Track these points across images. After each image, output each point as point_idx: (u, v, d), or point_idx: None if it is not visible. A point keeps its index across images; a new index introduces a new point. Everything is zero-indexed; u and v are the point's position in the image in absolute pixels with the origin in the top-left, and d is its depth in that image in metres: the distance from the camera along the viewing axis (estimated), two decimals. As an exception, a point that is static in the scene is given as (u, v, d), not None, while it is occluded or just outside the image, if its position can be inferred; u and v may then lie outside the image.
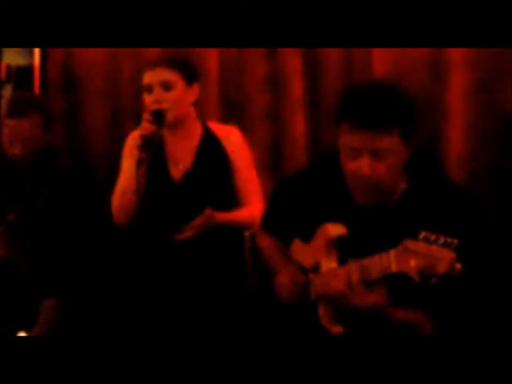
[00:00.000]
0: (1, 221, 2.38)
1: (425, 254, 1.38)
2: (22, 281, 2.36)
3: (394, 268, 1.46)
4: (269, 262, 1.94)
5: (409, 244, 1.42)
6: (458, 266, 1.36)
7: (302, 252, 1.82)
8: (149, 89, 2.17)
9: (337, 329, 1.65)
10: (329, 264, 1.70)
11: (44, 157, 2.41)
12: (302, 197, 1.86)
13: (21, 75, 3.02)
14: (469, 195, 1.69)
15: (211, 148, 2.27)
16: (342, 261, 1.68)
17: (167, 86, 2.16)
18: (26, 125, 2.34)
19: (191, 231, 2.14)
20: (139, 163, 2.13)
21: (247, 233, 2.18)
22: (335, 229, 1.69)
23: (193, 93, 2.24)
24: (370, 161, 1.59)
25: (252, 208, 2.23)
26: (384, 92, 1.63)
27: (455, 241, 1.35)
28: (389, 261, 1.47)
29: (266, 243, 1.99)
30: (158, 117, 2.13)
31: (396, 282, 1.51)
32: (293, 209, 1.88)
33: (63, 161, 2.47)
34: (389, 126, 1.57)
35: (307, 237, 1.79)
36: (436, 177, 1.73)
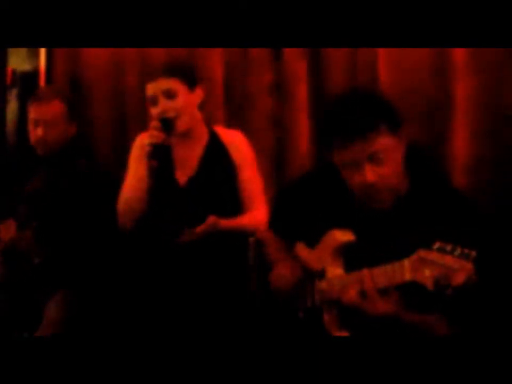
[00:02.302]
0: (13, 212, 2.44)
1: (440, 264, 1.37)
2: (33, 271, 2.37)
3: (408, 277, 1.45)
4: (269, 254, 1.93)
5: (424, 253, 1.41)
6: (474, 277, 1.34)
7: (306, 256, 1.81)
8: (154, 101, 2.18)
9: (342, 334, 1.64)
10: (335, 270, 1.70)
11: (64, 152, 2.46)
12: (305, 201, 1.86)
13: (26, 80, 3.03)
14: (470, 200, 1.69)
15: (217, 152, 2.27)
16: (347, 267, 1.68)
17: (170, 95, 2.17)
18: (48, 109, 2.43)
19: (190, 236, 2.14)
20: (150, 172, 2.14)
21: (251, 239, 2.18)
22: (343, 235, 1.69)
23: (197, 96, 2.25)
24: (371, 168, 1.59)
25: (256, 213, 2.24)
26: (358, 95, 1.67)
27: (473, 252, 1.33)
28: (402, 270, 1.47)
29: (269, 237, 1.98)
30: (167, 124, 2.14)
31: (409, 290, 1.50)
32: (297, 214, 1.87)
33: (79, 159, 2.50)
34: (375, 125, 1.58)
35: (310, 241, 1.78)
36: (436, 181, 1.72)
